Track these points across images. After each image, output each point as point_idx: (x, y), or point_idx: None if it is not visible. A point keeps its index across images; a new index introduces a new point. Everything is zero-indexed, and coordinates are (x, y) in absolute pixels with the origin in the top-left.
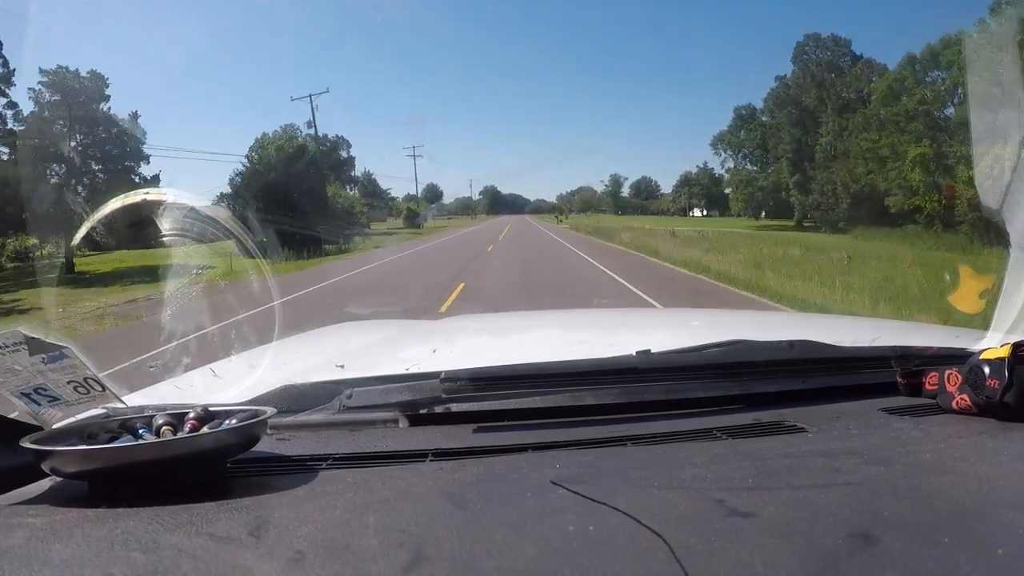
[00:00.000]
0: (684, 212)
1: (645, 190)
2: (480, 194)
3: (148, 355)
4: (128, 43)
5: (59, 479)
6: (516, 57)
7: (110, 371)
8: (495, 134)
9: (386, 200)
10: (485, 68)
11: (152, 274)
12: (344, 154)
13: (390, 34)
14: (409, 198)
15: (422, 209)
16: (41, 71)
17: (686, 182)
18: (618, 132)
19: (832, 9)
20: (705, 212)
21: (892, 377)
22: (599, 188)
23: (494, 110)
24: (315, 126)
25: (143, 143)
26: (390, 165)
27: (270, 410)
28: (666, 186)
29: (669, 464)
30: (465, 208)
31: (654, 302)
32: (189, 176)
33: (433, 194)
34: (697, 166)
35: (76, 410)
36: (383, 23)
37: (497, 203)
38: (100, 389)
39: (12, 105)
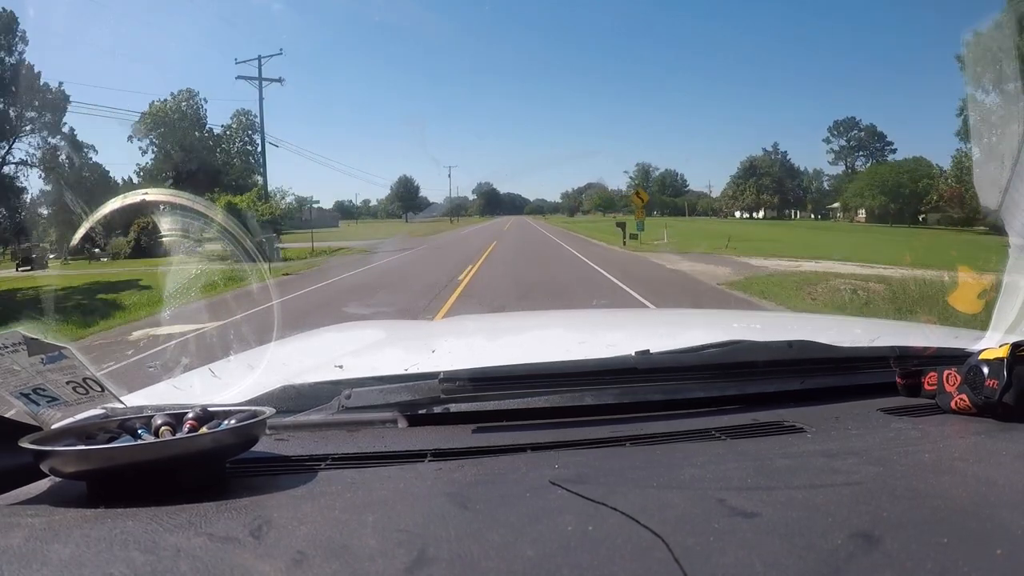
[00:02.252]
0: (750, 212)
1: (671, 185)
2: (474, 193)
3: None
4: None
5: (58, 479)
6: (512, 54)
7: None
8: (492, 133)
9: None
10: (480, 66)
11: None
12: None
13: (384, 32)
14: (445, 201)
15: (269, 208)
16: None
17: (751, 171)
18: (621, 128)
19: None
20: (763, 213)
21: (891, 377)
22: (613, 184)
23: (491, 109)
24: None
25: None
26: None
27: (269, 410)
28: (694, 182)
29: (668, 464)
30: (459, 209)
31: None
32: None
33: (407, 191)
34: (764, 149)
35: (75, 410)
36: (379, 21)
37: (494, 203)
38: (99, 389)
39: None
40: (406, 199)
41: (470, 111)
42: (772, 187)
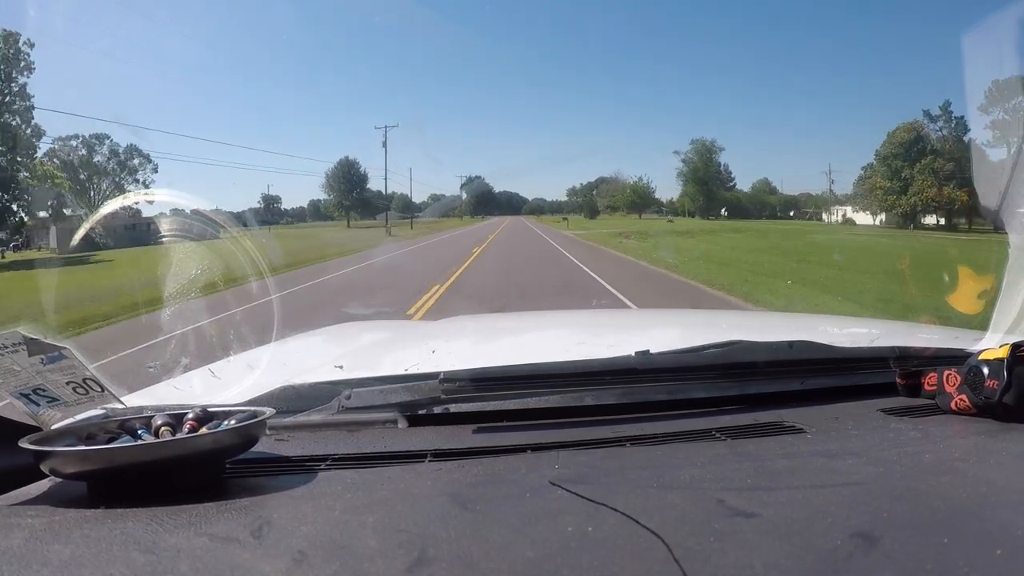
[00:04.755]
0: (909, 218)
1: (715, 178)
2: (462, 188)
3: None
4: None
5: (58, 480)
6: (509, 50)
7: None
8: (489, 131)
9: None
10: (475, 62)
11: None
12: None
13: (380, 30)
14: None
15: None
16: None
17: (917, 147)
18: (637, 116)
19: None
20: (934, 219)
21: (891, 378)
22: (634, 177)
23: (487, 106)
24: None
25: None
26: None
27: (269, 411)
28: (741, 177)
29: (668, 465)
30: (447, 208)
31: None
32: None
33: (349, 181)
34: (926, 112)
35: (75, 411)
36: (381, 22)
37: (487, 201)
38: (99, 390)
39: None
40: (346, 191)
41: (464, 106)
42: (955, 175)
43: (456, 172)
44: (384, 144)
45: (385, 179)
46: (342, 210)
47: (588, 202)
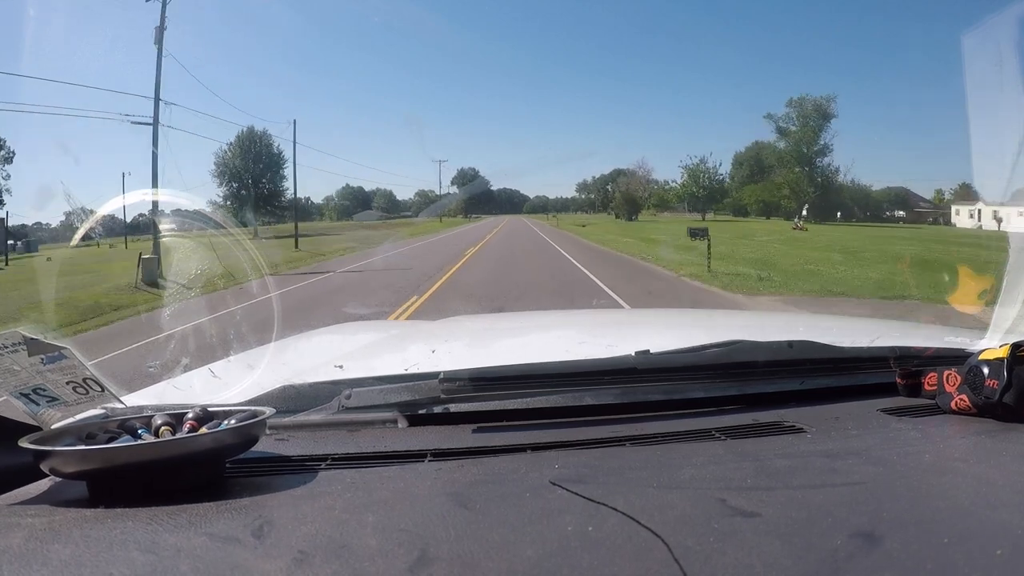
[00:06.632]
0: None
1: (758, 169)
2: (453, 183)
3: None
4: None
5: (58, 479)
6: (508, 43)
7: None
8: (488, 128)
9: None
10: (473, 59)
11: None
12: None
13: (380, 29)
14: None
15: None
16: None
17: None
18: (655, 104)
19: None
20: None
21: (891, 378)
22: (660, 168)
23: (486, 102)
24: None
25: None
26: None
27: (269, 410)
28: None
29: (668, 465)
30: (440, 208)
31: None
32: None
33: (253, 168)
34: None
35: (75, 410)
36: (380, 22)
37: (484, 199)
38: (99, 389)
39: None
40: (249, 181)
41: (460, 101)
42: None
43: (452, 168)
44: (158, 43)
45: (156, 104)
46: (249, 210)
47: (625, 198)
